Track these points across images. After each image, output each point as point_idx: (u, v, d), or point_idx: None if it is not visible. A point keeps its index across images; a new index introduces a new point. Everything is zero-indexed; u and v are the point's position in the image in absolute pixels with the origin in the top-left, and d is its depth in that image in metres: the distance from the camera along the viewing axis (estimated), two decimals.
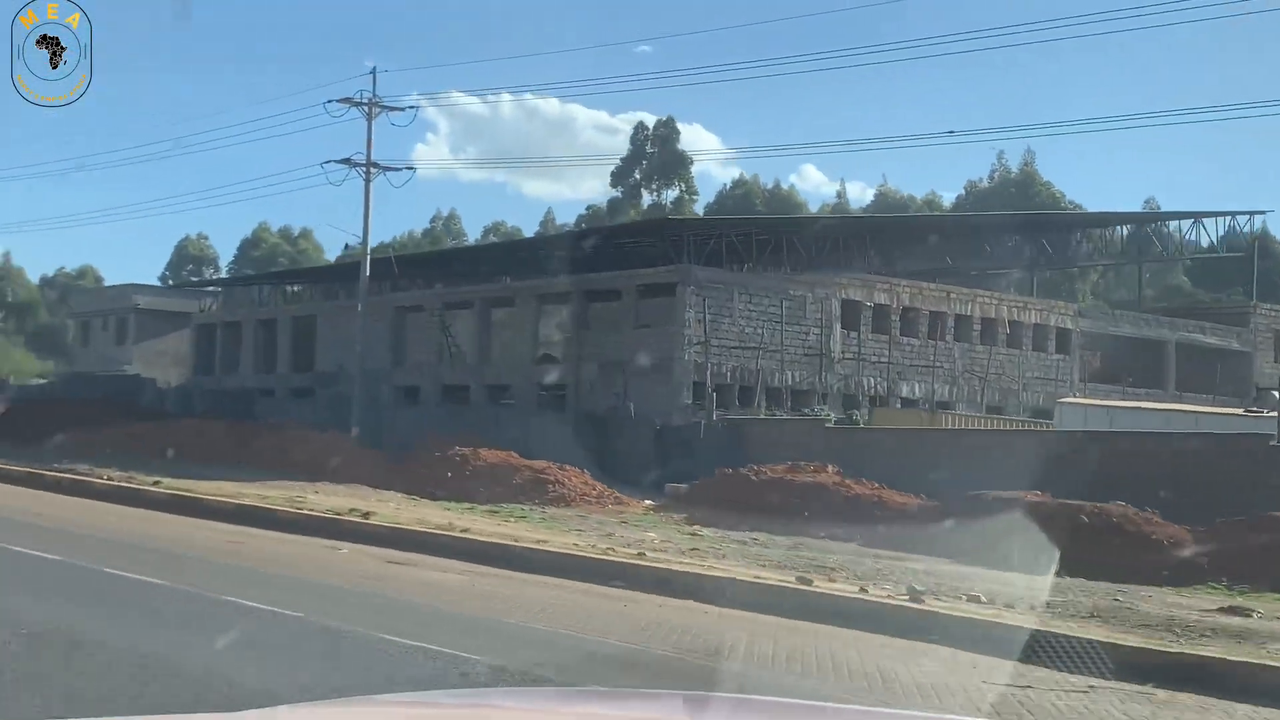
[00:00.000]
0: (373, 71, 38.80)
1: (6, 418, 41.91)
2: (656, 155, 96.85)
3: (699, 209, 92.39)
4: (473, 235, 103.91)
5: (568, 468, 28.79)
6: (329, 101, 38.60)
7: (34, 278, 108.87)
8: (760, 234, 38.23)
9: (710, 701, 3.34)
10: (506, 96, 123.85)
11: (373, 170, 38.84)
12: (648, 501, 27.64)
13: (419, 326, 41.85)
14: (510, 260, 43.36)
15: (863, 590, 12.54)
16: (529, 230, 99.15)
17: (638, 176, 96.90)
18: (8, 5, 10.15)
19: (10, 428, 38.63)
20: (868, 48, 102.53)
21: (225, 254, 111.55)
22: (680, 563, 15.43)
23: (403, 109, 39.30)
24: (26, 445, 34.11)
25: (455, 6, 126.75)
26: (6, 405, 46.53)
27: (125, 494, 20.87)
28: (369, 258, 38.85)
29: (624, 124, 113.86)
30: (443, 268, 43.73)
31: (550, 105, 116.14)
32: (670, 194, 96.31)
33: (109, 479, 23.71)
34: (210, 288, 53.73)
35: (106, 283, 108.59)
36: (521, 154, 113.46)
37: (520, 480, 28.30)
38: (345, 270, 51.21)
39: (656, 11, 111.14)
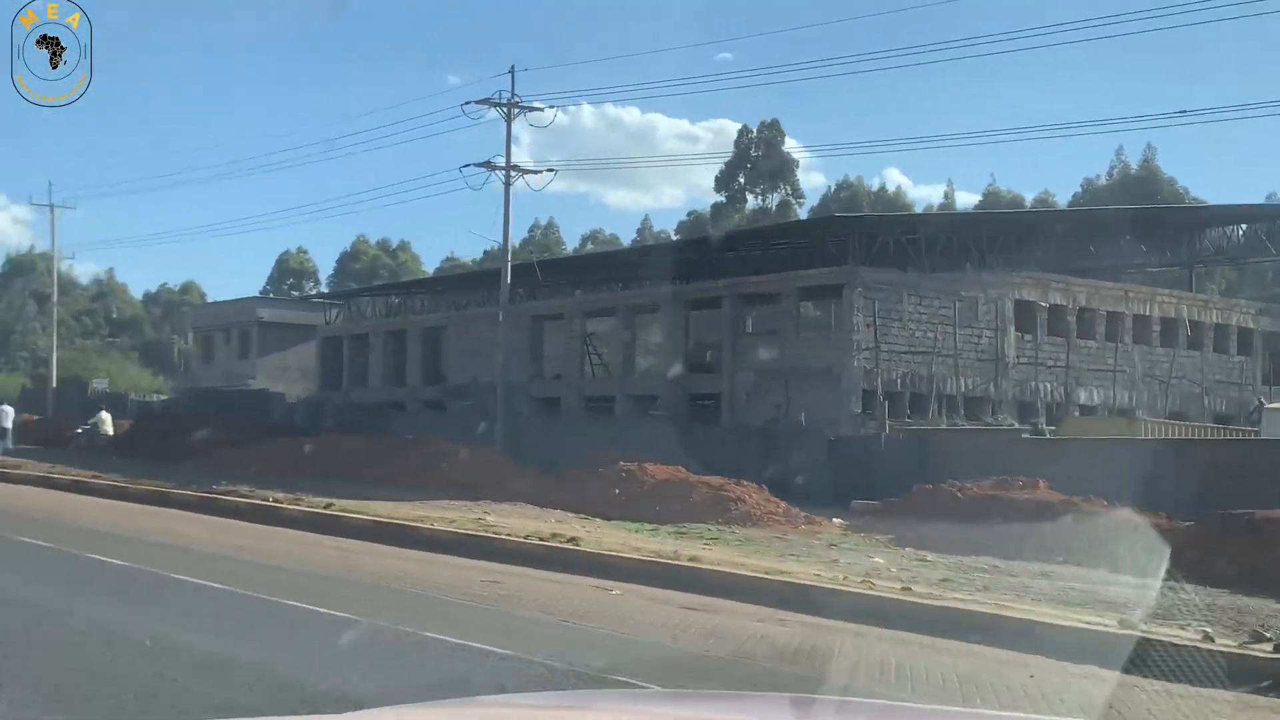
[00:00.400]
0: (511, 71, 37.17)
1: (135, 435, 40.95)
2: (761, 159, 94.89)
3: (803, 213, 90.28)
4: (570, 244, 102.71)
5: (744, 483, 26.85)
6: (466, 103, 37.18)
7: (137, 294, 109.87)
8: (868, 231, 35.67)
9: (815, 703, 3.35)
10: (587, 107, 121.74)
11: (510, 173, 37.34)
12: (837, 520, 25.53)
13: (558, 335, 40.14)
14: (650, 265, 41.46)
15: None
16: (626, 239, 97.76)
17: (742, 181, 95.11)
18: (8, 5, 10.09)
19: (142, 445, 37.50)
20: (954, 42, 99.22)
21: (325, 267, 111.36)
22: (969, 600, 13.34)
23: (541, 108, 37.72)
24: (164, 463, 32.90)
25: (535, 21, 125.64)
26: (131, 422, 45.71)
27: (321, 521, 19.18)
28: (510, 264, 37.20)
29: (705, 131, 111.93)
30: (578, 274, 41.91)
31: (631, 115, 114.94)
32: (775, 198, 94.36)
33: (288, 503, 22.09)
34: (335, 300, 52.50)
35: (210, 298, 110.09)
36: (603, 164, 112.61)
37: (697, 498, 26.37)
38: (466, 280, 49.87)
39: (737, 14, 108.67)
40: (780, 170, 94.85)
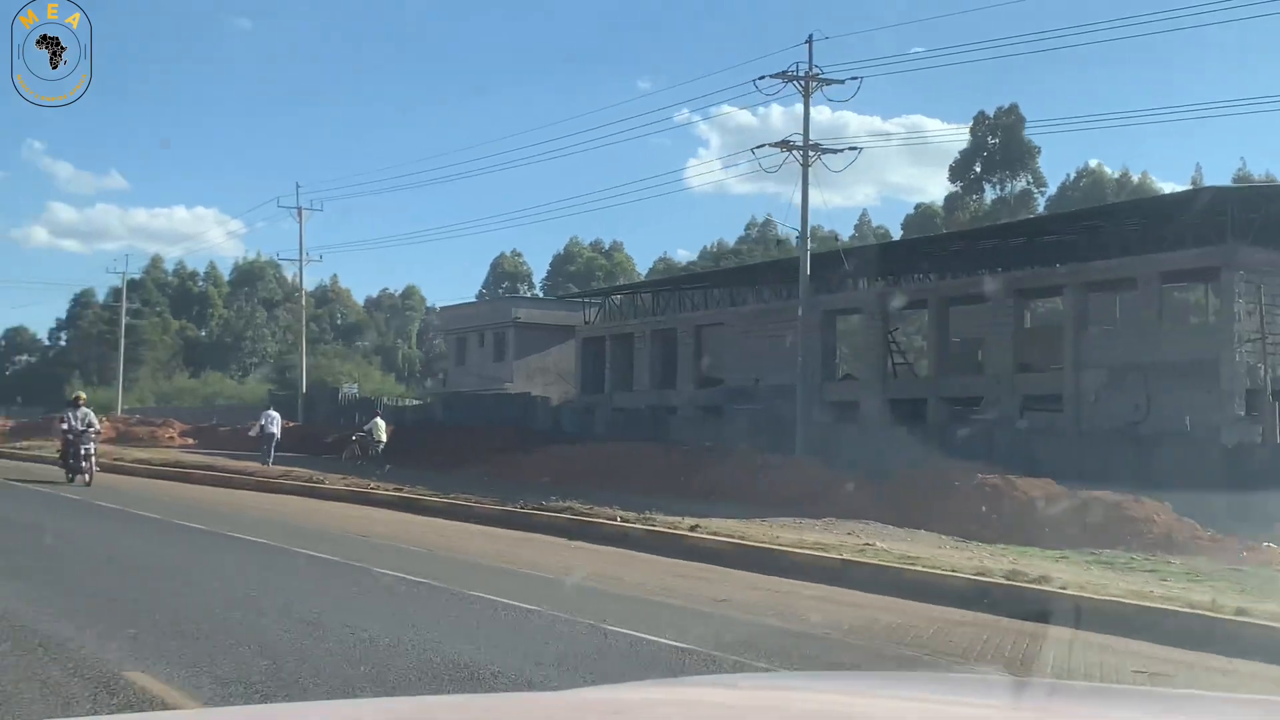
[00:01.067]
0: (809, 40, 33.69)
1: (402, 442, 39.01)
2: (999, 146, 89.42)
3: (1040, 205, 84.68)
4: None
5: (1144, 500, 22.75)
6: (761, 78, 33.85)
7: (359, 299, 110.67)
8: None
9: (1029, 685, 3.39)
10: (777, 108, 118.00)
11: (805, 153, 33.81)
12: (1271, 545, 21.13)
13: (856, 332, 36.34)
14: (968, 257, 37.24)
15: None
16: (842, 236, 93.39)
17: (978, 170, 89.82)
18: (8, 5, 10.18)
19: (414, 453, 35.20)
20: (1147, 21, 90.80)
21: (538, 270, 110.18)
22: None
23: (842, 81, 34.07)
24: (443, 472, 30.41)
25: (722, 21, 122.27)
26: (391, 428, 43.95)
27: (667, 543, 15.94)
28: (809, 253, 33.64)
29: (896, 128, 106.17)
30: (878, 265, 37.88)
31: (821, 114, 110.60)
32: (1016, 186, 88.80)
33: (637, 522, 18.84)
34: (593, 299, 49.78)
35: (430, 303, 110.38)
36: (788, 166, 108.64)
37: (1092, 519, 22.38)
38: (737, 274, 46.49)
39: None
40: (1019, 157, 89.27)
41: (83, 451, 24.64)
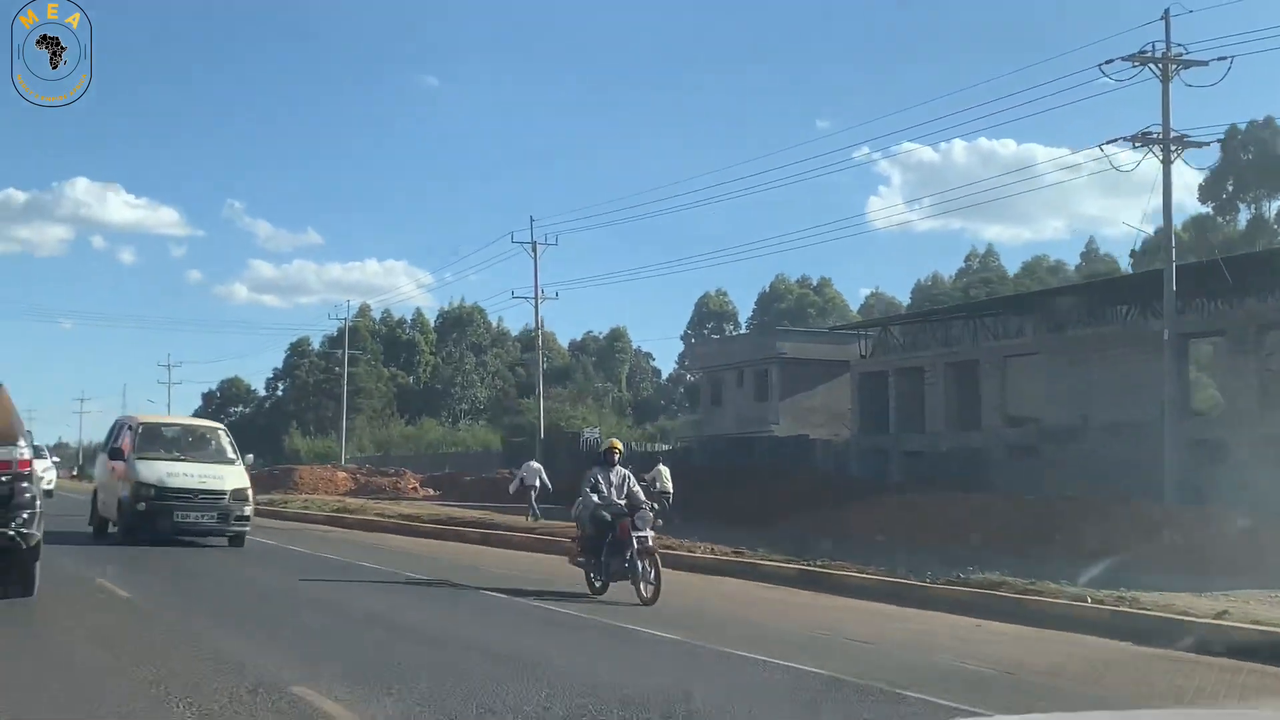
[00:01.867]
0: (1165, 15, 28.65)
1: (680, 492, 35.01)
2: (1252, 162, 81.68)
3: None
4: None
5: None
6: (1108, 62, 28.91)
7: (563, 341, 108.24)
8: None
9: None
10: (959, 143, 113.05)
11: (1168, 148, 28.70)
12: None
13: (1203, 357, 30.86)
14: None
15: None
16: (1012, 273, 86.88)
17: (1230, 188, 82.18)
18: (8, 5, 10.29)
19: (693, 504, 30.89)
20: None
21: (743, 308, 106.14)
22: None
23: (1205, 63, 28.91)
24: (744, 529, 26.06)
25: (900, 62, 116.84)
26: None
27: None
28: (1174, 263, 28.45)
29: (1086, 159, 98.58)
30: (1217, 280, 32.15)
31: (1006, 147, 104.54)
32: (1274, 205, 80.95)
33: (1109, 602, 13.90)
34: (867, 331, 45.05)
35: (636, 345, 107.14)
36: (975, 199, 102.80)
37: None
38: (1032, 302, 41.22)
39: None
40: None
41: (636, 543, 13.40)
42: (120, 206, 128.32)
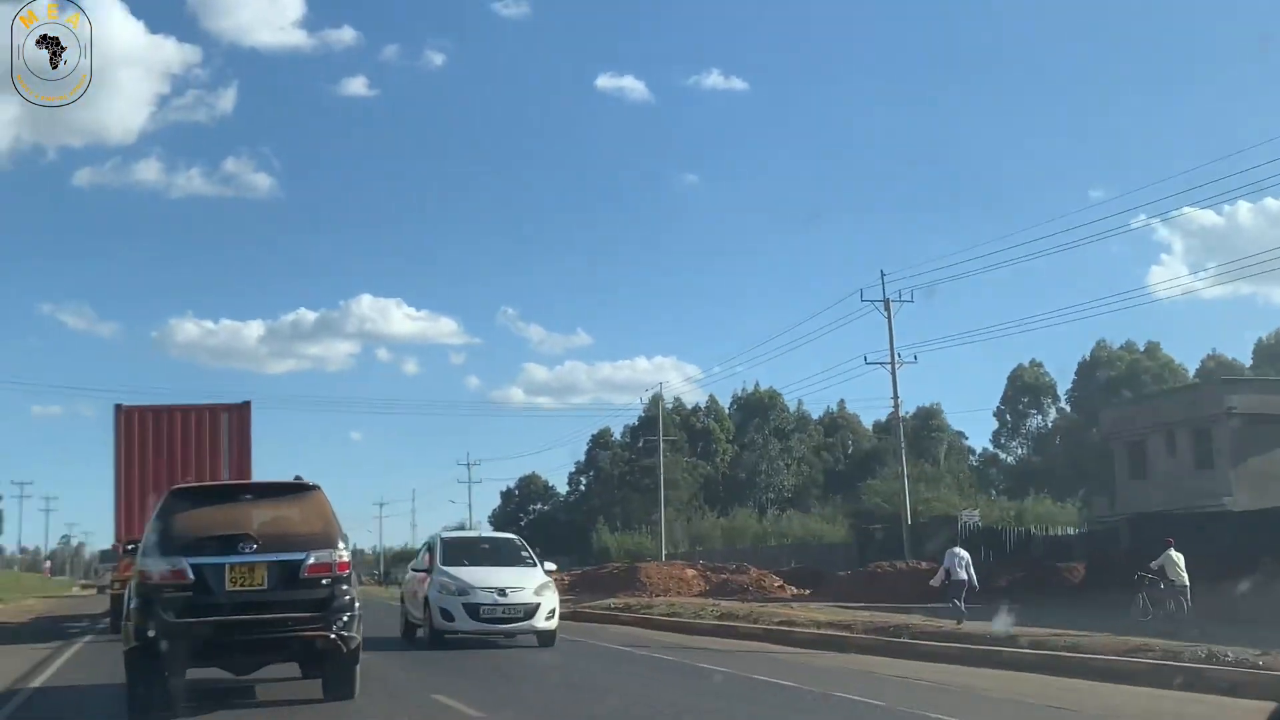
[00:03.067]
0: None
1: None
2: None
3: None
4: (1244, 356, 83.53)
5: None
6: None
7: (867, 424, 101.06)
8: None
9: None
10: (1244, 205, 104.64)
11: None
12: None
13: None
14: None
15: None
16: None
17: None
18: (8, 5, 10.43)
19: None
20: None
21: (1061, 379, 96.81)
22: None
23: None
24: None
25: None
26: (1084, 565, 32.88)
27: None
28: None
29: None
30: None
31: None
32: None
33: None
34: None
35: (951, 420, 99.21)
36: (1264, 262, 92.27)
37: None
38: None
39: None
40: None
41: None
42: (402, 319, 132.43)
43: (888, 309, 43.80)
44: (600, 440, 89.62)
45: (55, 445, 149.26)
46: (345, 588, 11.06)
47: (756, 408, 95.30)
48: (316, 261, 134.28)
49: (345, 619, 10.93)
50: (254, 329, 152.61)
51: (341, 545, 11.17)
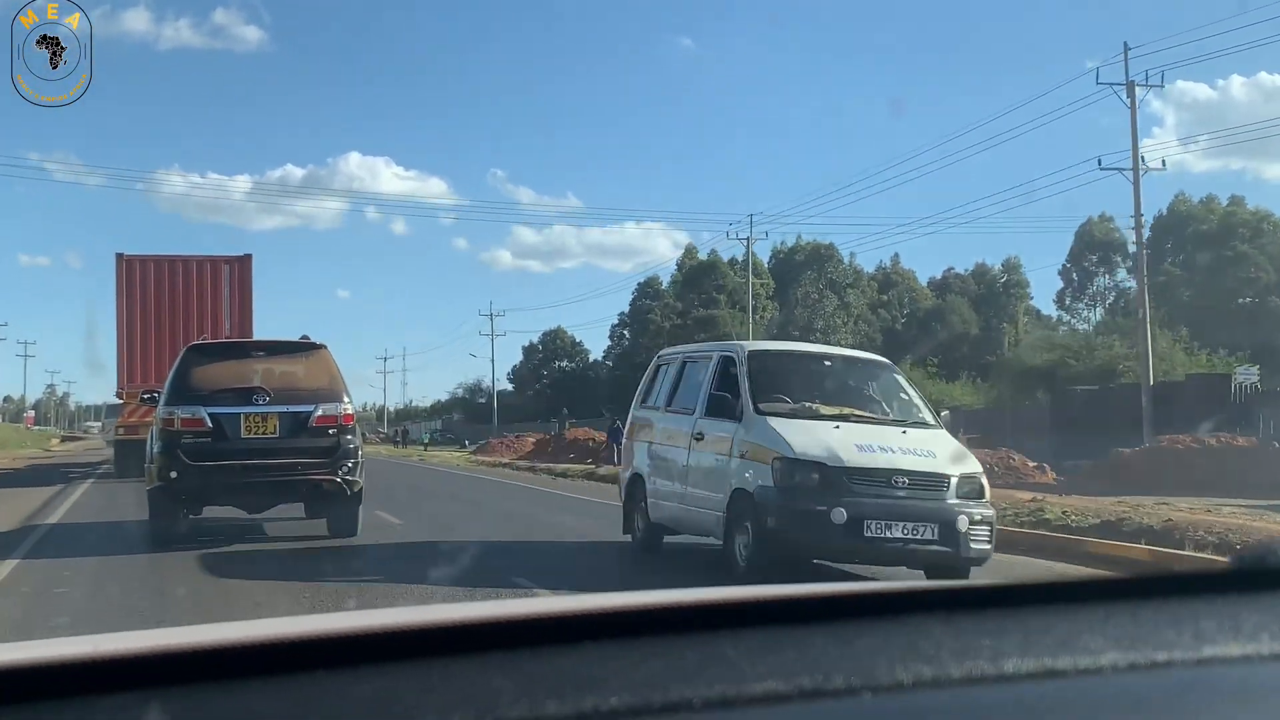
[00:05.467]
0: None
1: None
2: None
3: None
4: None
5: None
6: None
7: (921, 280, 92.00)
8: None
9: None
10: (1237, 79, 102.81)
11: None
12: None
13: None
14: None
15: None
16: None
17: None
18: (8, 5, 10.32)
19: None
20: None
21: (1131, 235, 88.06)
22: None
23: None
24: None
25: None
26: None
27: None
28: None
29: None
30: None
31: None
32: None
33: None
34: None
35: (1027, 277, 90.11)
36: (1258, 136, 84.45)
37: None
38: None
39: None
40: None
41: None
42: (390, 178, 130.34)
43: (1131, 94, 33.94)
44: (648, 289, 79.56)
45: (38, 294, 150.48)
46: (349, 437, 12.03)
47: (804, 262, 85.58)
48: (305, 117, 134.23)
49: (350, 465, 11.87)
50: (240, 184, 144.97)
51: (346, 399, 12.19)
